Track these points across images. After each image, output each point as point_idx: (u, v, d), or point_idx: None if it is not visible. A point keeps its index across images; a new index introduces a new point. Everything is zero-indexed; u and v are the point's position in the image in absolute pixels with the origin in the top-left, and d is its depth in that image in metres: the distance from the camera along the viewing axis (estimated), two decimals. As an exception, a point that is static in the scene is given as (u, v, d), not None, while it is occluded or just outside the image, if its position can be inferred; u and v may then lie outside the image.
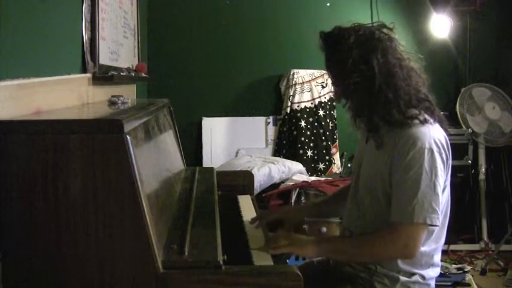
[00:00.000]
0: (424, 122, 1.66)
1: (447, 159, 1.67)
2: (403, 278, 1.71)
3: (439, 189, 1.62)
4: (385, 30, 1.73)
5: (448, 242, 3.84)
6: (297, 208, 2.59)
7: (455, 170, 4.04)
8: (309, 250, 1.74)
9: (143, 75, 3.34)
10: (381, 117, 1.68)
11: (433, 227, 1.65)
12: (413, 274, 1.72)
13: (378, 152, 1.71)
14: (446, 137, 1.71)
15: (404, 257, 1.67)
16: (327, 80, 4.33)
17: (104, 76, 2.49)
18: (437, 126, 1.71)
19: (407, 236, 1.61)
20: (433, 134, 1.65)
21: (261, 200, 3.42)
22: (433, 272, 1.75)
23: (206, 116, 4.38)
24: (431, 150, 1.61)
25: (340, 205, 2.09)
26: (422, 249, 1.70)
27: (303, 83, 4.31)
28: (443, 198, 1.70)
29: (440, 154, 1.64)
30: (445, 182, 1.70)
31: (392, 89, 1.66)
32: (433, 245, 1.73)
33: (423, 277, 1.73)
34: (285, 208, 2.75)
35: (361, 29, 1.71)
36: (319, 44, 1.77)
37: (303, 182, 3.48)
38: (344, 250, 1.74)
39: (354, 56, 1.66)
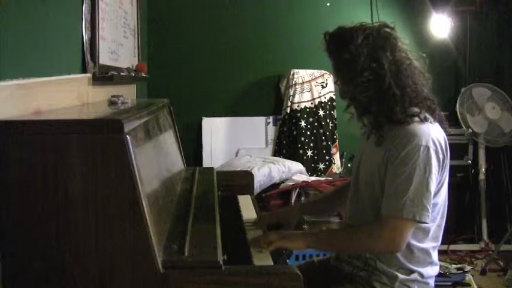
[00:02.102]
0: (424, 120, 1.68)
1: (444, 158, 1.67)
2: (401, 276, 1.71)
3: (432, 187, 1.63)
4: (387, 30, 1.73)
5: (448, 242, 3.86)
6: (294, 207, 2.59)
7: (455, 170, 4.06)
8: (299, 243, 1.75)
9: (143, 75, 3.34)
10: (384, 114, 1.69)
11: (423, 224, 1.66)
12: (412, 272, 1.72)
13: (377, 149, 1.72)
14: (445, 137, 1.72)
15: (390, 251, 1.69)
16: (327, 80, 4.32)
17: (104, 76, 2.49)
18: (436, 125, 1.72)
19: (395, 230, 1.63)
20: (432, 133, 1.66)
21: (261, 200, 3.41)
22: (432, 271, 1.76)
23: (206, 116, 4.38)
24: (427, 148, 1.62)
25: (337, 202, 2.11)
26: (420, 246, 1.71)
27: (303, 83, 4.31)
28: (440, 198, 1.71)
29: (437, 153, 1.64)
30: (442, 182, 1.70)
31: (399, 86, 1.68)
32: (430, 243, 1.74)
33: (422, 275, 1.73)
34: (282, 209, 2.75)
35: (367, 28, 1.72)
36: (323, 45, 1.77)
37: (303, 182, 3.48)
38: (333, 242, 1.78)
39: (364, 54, 1.67)
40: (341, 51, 1.72)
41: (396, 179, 1.63)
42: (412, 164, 1.61)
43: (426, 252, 1.73)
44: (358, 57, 1.68)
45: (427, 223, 1.65)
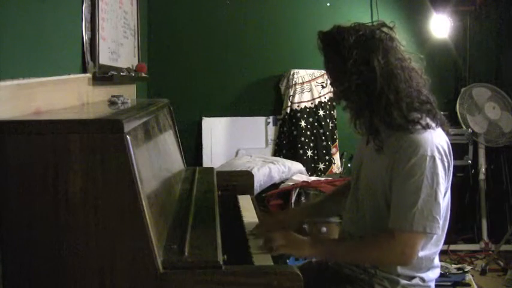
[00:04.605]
0: (427, 127, 1.63)
1: (449, 165, 1.65)
2: (403, 281, 1.70)
3: (440, 197, 1.60)
4: (385, 30, 1.69)
5: (448, 242, 3.85)
6: (295, 211, 2.58)
7: (455, 170, 4.05)
8: (305, 251, 1.73)
9: (143, 75, 3.34)
10: (382, 120, 1.66)
11: (433, 234, 1.64)
12: (413, 277, 1.71)
13: (378, 156, 1.69)
14: (449, 142, 1.68)
15: (401, 264, 1.66)
16: (326, 80, 4.32)
17: (104, 76, 2.48)
18: (439, 131, 1.68)
19: (405, 244, 1.60)
20: (436, 141, 1.62)
21: (261, 200, 3.41)
22: (432, 274, 1.75)
23: (206, 116, 4.38)
24: (433, 158, 1.59)
25: (337, 204, 2.08)
26: (423, 253, 1.68)
27: (303, 83, 4.31)
28: (444, 203, 1.67)
29: (442, 161, 1.61)
30: (446, 188, 1.67)
31: (393, 90, 1.63)
32: (433, 248, 1.72)
33: (423, 280, 1.72)
34: (283, 213, 2.73)
35: (361, 29, 1.67)
36: (318, 44, 1.74)
37: (303, 182, 3.48)
38: (340, 253, 1.74)
39: (354, 57, 1.63)
40: (331, 52, 1.70)
41: (404, 192, 1.59)
42: (419, 175, 1.57)
43: (428, 258, 1.71)
44: (347, 59, 1.63)
45: (437, 234, 1.63)
